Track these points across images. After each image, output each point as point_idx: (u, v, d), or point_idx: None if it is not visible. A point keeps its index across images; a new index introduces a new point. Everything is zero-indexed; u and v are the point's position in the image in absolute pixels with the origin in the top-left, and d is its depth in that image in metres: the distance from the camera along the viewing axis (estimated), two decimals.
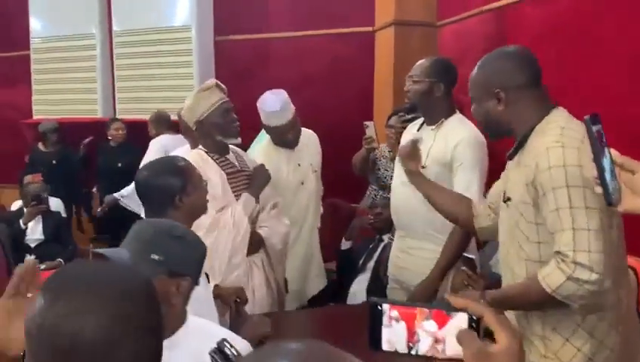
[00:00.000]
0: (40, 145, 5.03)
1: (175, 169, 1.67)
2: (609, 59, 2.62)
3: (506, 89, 1.47)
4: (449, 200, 1.84)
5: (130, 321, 0.70)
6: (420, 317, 0.71)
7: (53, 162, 4.94)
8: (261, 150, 2.77)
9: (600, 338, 1.42)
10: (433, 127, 2.23)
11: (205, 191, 1.75)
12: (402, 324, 0.71)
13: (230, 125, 2.25)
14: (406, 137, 2.43)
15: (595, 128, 1.05)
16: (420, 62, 2.27)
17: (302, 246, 2.76)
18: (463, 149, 2.11)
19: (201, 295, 1.64)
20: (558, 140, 1.37)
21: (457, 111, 2.28)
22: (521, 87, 1.47)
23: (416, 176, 1.90)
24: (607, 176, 1.06)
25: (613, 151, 1.15)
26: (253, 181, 2.31)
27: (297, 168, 2.73)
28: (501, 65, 1.50)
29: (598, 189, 1.08)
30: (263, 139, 3.03)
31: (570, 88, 2.63)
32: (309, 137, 2.86)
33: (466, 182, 2.11)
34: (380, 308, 0.72)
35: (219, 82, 2.26)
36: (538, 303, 1.43)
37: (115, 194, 4.35)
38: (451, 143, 2.14)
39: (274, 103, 2.54)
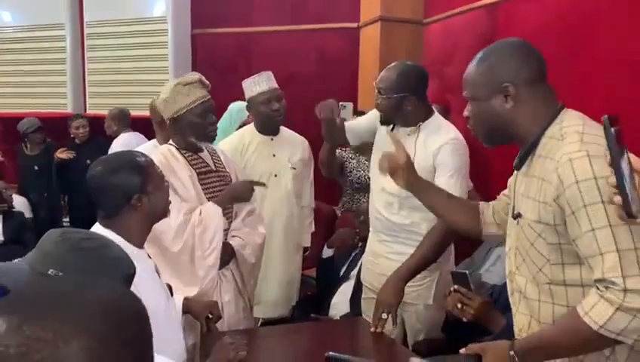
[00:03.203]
0: (24, 147, 4.61)
1: (134, 165, 1.47)
2: (604, 58, 2.52)
3: (515, 83, 1.29)
4: (456, 209, 1.63)
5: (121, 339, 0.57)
6: None
7: (35, 168, 4.52)
8: (237, 133, 2.62)
9: None
10: (409, 130, 2.11)
11: (167, 192, 1.54)
12: None
13: (208, 127, 2.03)
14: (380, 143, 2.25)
15: (613, 129, 0.98)
16: (387, 73, 2.11)
17: (271, 258, 2.52)
18: (444, 156, 2.02)
19: (162, 309, 1.45)
20: (580, 149, 1.17)
21: (435, 112, 2.17)
22: (531, 82, 1.30)
23: (413, 188, 1.66)
24: (627, 182, 0.96)
25: (632, 156, 1.01)
26: (227, 191, 2.08)
27: (271, 158, 2.55)
28: (508, 57, 1.32)
29: (617, 198, 0.98)
30: (232, 116, 2.98)
31: (564, 88, 2.50)
32: (296, 138, 2.70)
33: (445, 186, 1.96)
34: None
35: (203, 77, 2.05)
36: (582, 346, 1.19)
37: None
38: (432, 149, 2.04)
39: (257, 74, 2.52)
